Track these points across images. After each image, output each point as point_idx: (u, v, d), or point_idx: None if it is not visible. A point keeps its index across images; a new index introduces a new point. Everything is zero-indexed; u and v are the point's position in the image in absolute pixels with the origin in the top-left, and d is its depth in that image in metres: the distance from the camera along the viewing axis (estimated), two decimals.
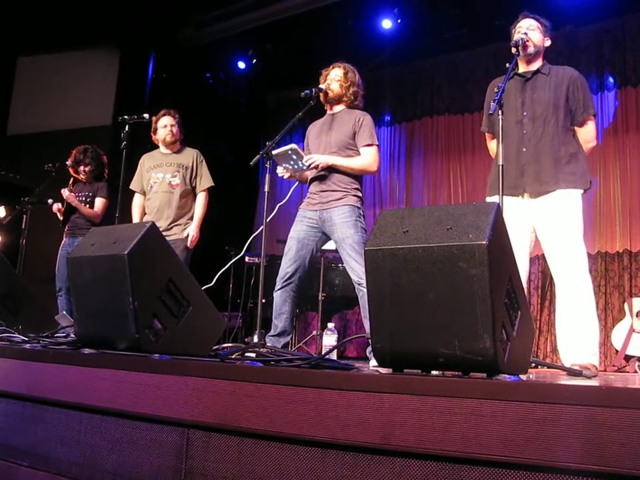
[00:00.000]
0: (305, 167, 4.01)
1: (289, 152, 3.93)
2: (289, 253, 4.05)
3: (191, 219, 5.17)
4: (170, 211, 5.09)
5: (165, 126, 5.20)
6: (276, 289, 4.03)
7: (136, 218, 5.24)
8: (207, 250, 5.72)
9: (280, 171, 4.14)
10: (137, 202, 5.31)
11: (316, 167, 4.01)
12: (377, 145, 4.15)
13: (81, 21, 7.75)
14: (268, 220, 3.89)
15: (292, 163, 4.01)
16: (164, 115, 5.25)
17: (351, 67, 4.29)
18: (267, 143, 3.86)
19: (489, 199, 3.69)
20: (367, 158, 4.10)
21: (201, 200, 5.22)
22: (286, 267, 4.02)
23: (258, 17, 7.93)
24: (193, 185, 5.23)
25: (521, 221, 3.53)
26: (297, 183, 4.48)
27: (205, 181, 5.25)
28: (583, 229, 3.48)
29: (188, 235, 5.06)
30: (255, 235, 4.36)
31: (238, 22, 8.11)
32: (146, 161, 5.31)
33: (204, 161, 5.30)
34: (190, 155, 5.26)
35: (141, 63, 8.45)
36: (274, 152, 3.93)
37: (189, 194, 5.20)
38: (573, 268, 3.38)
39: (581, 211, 3.49)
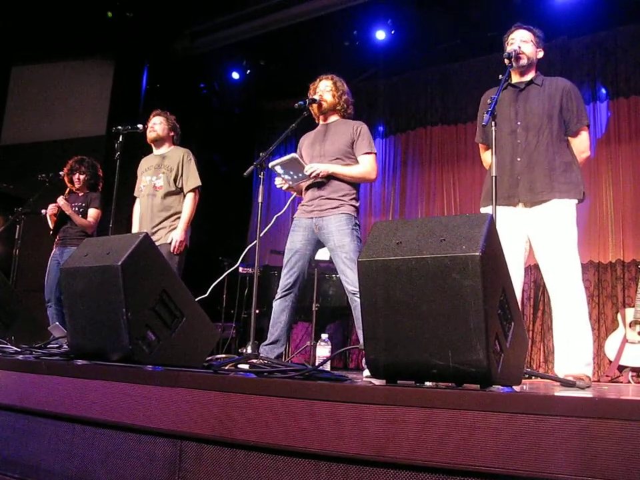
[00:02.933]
0: (305, 177, 4.01)
1: (288, 162, 3.92)
2: (287, 265, 4.07)
3: (177, 221, 4.95)
4: (152, 214, 4.94)
5: (152, 125, 5.10)
6: (276, 298, 4.05)
7: (134, 224, 5.15)
8: (200, 260, 5.70)
9: (278, 182, 4.14)
10: (135, 207, 5.20)
11: (316, 176, 4.02)
12: (375, 153, 4.18)
13: (76, 30, 7.76)
14: (264, 231, 3.88)
15: (291, 173, 4.00)
16: (154, 115, 5.17)
17: (337, 77, 4.33)
18: (261, 154, 3.86)
19: (483, 210, 3.69)
20: (366, 166, 4.13)
21: (187, 201, 4.96)
22: (285, 278, 4.05)
23: (252, 27, 7.95)
24: (179, 185, 5.01)
25: (515, 231, 3.53)
26: (295, 194, 4.46)
27: (192, 180, 5.00)
28: (577, 239, 3.49)
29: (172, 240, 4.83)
30: (249, 247, 4.34)
31: (232, 33, 8.13)
32: (142, 164, 5.21)
33: (192, 160, 5.06)
34: (177, 155, 5.07)
35: (135, 73, 8.45)
36: (272, 163, 3.93)
37: (176, 195, 5.00)
38: (567, 279, 3.39)
39: (574, 221, 3.50)
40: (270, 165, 3.93)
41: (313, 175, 4.00)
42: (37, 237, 6.34)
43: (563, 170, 3.54)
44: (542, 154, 3.55)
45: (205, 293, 4.32)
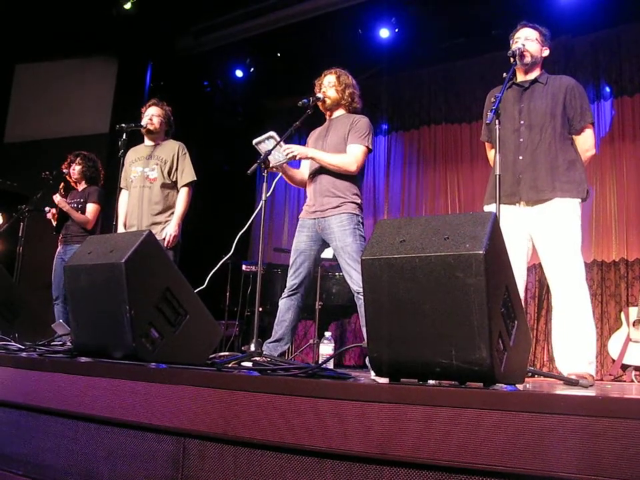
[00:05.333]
0: (282, 157, 3.94)
1: (268, 140, 3.88)
2: (293, 266, 4.06)
3: (172, 216, 4.87)
4: (146, 206, 4.84)
5: (149, 116, 5.01)
6: (282, 296, 4.04)
7: (121, 215, 4.99)
8: (203, 258, 5.70)
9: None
10: (122, 199, 5.04)
11: (293, 157, 3.98)
12: (367, 148, 4.08)
13: (79, 29, 7.76)
14: (251, 220, 3.84)
15: (272, 152, 3.95)
16: (151, 105, 5.08)
17: (342, 70, 4.28)
18: (265, 152, 3.85)
19: (486, 208, 3.69)
20: (349, 156, 4.04)
21: (182, 195, 4.88)
22: (291, 279, 4.04)
23: (255, 25, 7.95)
24: (174, 179, 4.92)
25: (518, 230, 3.53)
26: (280, 175, 4.36)
27: (187, 175, 4.91)
28: (581, 238, 3.48)
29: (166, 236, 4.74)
30: (240, 233, 4.26)
31: (236, 30, 8.13)
32: (130, 154, 5.07)
33: (187, 155, 4.99)
34: (171, 148, 4.98)
35: (139, 70, 8.45)
36: (254, 140, 3.91)
37: (170, 189, 4.92)
38: (570, 278, 3.38)
39: (579, 220, 3.49)
40: (253, 142, 3.91)
41: (290, 155, 3.94)
42: (41, 234, 6.34)
43: (566, 168, 3.52)
44: (544, 152, 3.54)
45: (203, 284, 4.28)
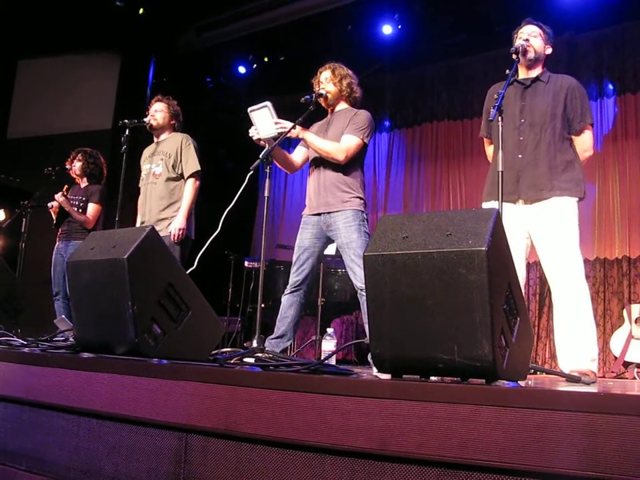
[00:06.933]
0: (274, 131, 3.86)
1: (262, 111, 3.84)
2: (296, 263, 4.05)
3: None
4: (152, 203, 4.84)
5: (153, 112, 5.00)
6: (285, 293, 4.04)
7: (139, 214, 5.04)
8: (207, 254, 5.70)
9: (252, 131, 4.02)
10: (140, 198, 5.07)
11: (283, 133, 3.87)
12: (362, 141, 4.03)
13: (82, 24, 7.76)
14: (238, 195, 3.84)
15: (264, 125, 3.88)
16: (155, 101, 5.08)
17: (335, 63, 4.25)
18: (267, 148, 3.84)
19: (485, 205, 3.69)
20: (340, 145, 4.00)
21: (188, 187, 4.81)
22: (294, 275, 4.03)
23: (258, 22, 7.94)
24: (179, 171, 4.86)
25: (516, 227, 3.53)
26: (267, 148, 4.23)
27: (191, 165, 4.83)
28: (581, 236, 3.48)
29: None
30: (228, 209, 4.21)
31: (238, 27, 8.13)
32: (144, 152, 5.11)
33: (191, 145, 4.91)
34: (176, 141, 4.94)
35: (142, 67, 8.45)
36: (250, 108, 3.88)
37: (176, 182, 4.87)
38: (569, 275, 3.38)
39: (576, 218, 3.49)
40: (249, 109, 3.89)
41: (280, 128, 3.85)
42: (43, 230, 6.33)
43: (564, 168, 3.54)
44: (544, 152, 3.55)
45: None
